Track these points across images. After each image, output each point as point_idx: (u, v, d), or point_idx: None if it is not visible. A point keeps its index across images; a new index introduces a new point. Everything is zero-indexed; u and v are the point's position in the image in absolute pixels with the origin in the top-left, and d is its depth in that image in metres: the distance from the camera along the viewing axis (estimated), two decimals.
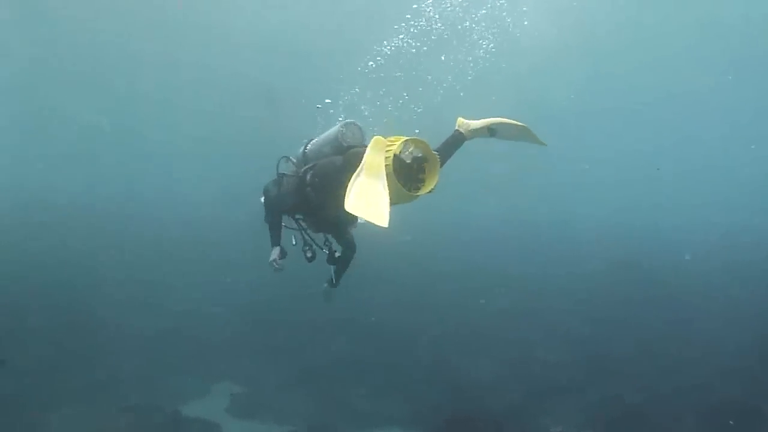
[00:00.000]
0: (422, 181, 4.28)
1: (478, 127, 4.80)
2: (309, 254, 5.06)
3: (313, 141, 5.07)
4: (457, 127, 4.85)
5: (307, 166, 4.93)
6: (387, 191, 3.77)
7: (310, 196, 4.85)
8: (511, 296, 16.82)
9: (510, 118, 4.78)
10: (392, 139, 4.13)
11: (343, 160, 4.55)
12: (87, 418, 10.34)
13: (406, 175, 4.15)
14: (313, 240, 5.19)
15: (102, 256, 17.07)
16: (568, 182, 41.73)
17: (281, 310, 14.87)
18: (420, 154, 4.23)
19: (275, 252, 4.98)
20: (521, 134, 4.89)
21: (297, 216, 5.22)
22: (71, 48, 30.16)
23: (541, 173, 41.05)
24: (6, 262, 14.70)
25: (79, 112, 35.03)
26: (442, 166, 4.36)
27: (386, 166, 3.95)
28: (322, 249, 5.18)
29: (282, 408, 11.74)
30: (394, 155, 4.02)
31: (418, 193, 4.22)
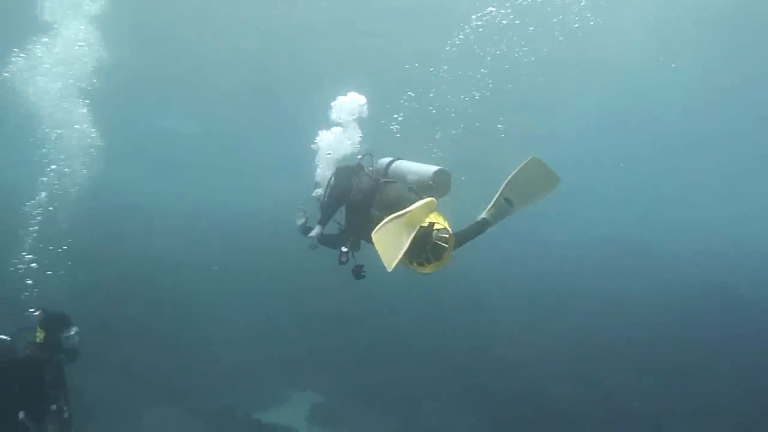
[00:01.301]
0: (426, 262, 4.46)
1: (493, 203, 4.97)
2: (343, 258, 5.26)
3: (402, 162, 5.26)
4: (479, 217, 5.03)
5: (387, 179, 5.15)
6: (408, 244, 3.99)
7: (374, 203, 5.07)
8: (596, 318, 16.16)
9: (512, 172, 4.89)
10: (437, 217, 4.35)
11: (412, 199, 4.68)
12: (172, 420, 10.86)
13: (418, 248, 4.33)
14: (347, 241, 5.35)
15: (188, 264, 17.62)
16: (658, 198, 39.22)
17: (362, 323, 15.00)
18: (444, 246, 4.38)
19: (318, 230, 5.42)
20: (534, 182, 4.97)
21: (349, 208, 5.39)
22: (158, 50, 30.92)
23: (632, 188, 39.09)
24: (94, 266, 15.30)
25: (166, 118, 35.77)
26: (456, 248, 4.54)
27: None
28: (353, 256, 5.29)
29: (361, 419, 11.87)
30: (422, 227, 4.22)
31: (414, 269, 4.46)
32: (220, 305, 15.30)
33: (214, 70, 33.32)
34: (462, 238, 4.76)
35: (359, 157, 5.50)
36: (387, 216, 4.35)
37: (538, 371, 13.41)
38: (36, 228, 7.52)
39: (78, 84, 9.24)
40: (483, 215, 5.01)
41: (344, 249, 5.22)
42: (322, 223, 5.46)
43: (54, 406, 5.13)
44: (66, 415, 5.25)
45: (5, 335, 5.16)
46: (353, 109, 5.62)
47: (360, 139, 5.63)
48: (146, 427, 10.62)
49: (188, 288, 15.85)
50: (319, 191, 5.69)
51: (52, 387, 5.13)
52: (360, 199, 5.16)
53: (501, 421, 11.70)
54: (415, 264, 4.43)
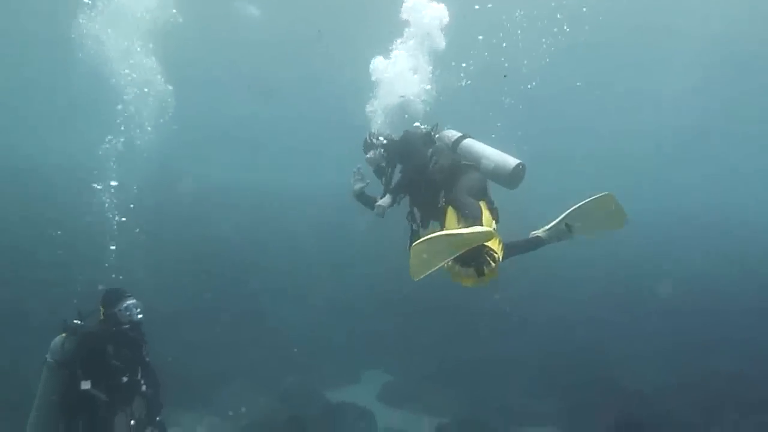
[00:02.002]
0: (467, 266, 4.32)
1: (552, 225, 4.78)
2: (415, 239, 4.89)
3: (475, 142, 4.98)
4: (533, 234, 4.85)
5: (467, 162, 4.89)
6: (442, 262, 4.07)
7: (447, 181, 4.81)
8: (684, 293, 15.17)
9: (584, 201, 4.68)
10: (495, 242, 4.25)
11: (478, 215, 4.46)
12: (248, 396, 11.03)
13: (463, 256, 4.20)
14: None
15: (268, 242, 17.83)
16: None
17: (432, 302, 14.71)
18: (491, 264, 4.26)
19: (389, 200, 4.97)
20: (601, 217, 4.77)
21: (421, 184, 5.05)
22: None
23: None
24: (173, 243, 15.52)
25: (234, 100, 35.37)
26: (505, 259, 4.43)
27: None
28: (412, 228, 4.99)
29: (432, 399, 11.70)
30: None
31: (452, 270, 4.33)
32: (294, 285, 15.52)
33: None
34: (512, 250, 4.58)
35: (433, 126, 5.09)
36: (451, 209, 4.48)
37: (614, 354, 12.84)
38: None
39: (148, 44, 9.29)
40: (538, 233, 4.82)
41: (414, 227, 4.98)
42: (394, 194, 5.01)
43: (125, 378, 5.22)
44: (143, 388, 5.37)
45: (78, 320, 5.28)
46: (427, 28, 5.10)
47: (430, 81, 5.11)
48: (222, 401, 10.83)
49: (267, 266, 16.15)
50: (374, 154, 5.13)
51: (116, 359, 5.21)
52: (438, 179, 4.84)
53: (577, 404, 11.23)
54: (457, 267, 4.28)
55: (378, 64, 5.15)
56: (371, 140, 5.17)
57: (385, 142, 5.08)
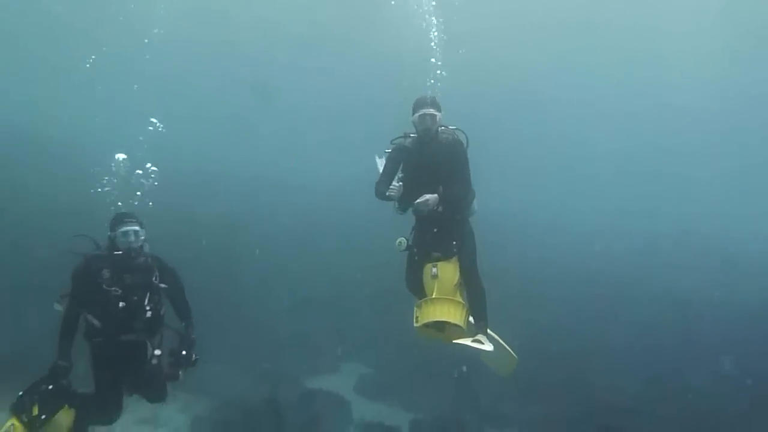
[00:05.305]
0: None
1: (474, 325, 5.47)
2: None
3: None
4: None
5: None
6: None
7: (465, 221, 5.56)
8: (657, 312, 15.17)
9: (508, 346, 5.79)
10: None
11: None
12: (225, 378, 10.90)
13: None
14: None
15: (255, 229, 17.58)
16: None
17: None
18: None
19: (435, 198, 5.14)
20: (501, 358, 5.84)
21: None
22: None
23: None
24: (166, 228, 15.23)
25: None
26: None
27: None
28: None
29: (409, 395, 11.64)
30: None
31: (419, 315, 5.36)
32: (280, 273, 15.40)
33: None
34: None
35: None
36: (456, 261, 5.29)
37: (597, 364, 12.76)
38: None
39: None
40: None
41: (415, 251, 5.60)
42: (443, 199, 5.20)
43: (122, 304, 5.05)
44: (148, 314, 5.22)
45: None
46: None
47: None
48: (198, 380, 10.68)
49: (255, 254, 15.83)
50: (440, 118, 5.24)
51: (112, 284, 5.05)
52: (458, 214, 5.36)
53: (554, 412, 11.22)
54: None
55: None
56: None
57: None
